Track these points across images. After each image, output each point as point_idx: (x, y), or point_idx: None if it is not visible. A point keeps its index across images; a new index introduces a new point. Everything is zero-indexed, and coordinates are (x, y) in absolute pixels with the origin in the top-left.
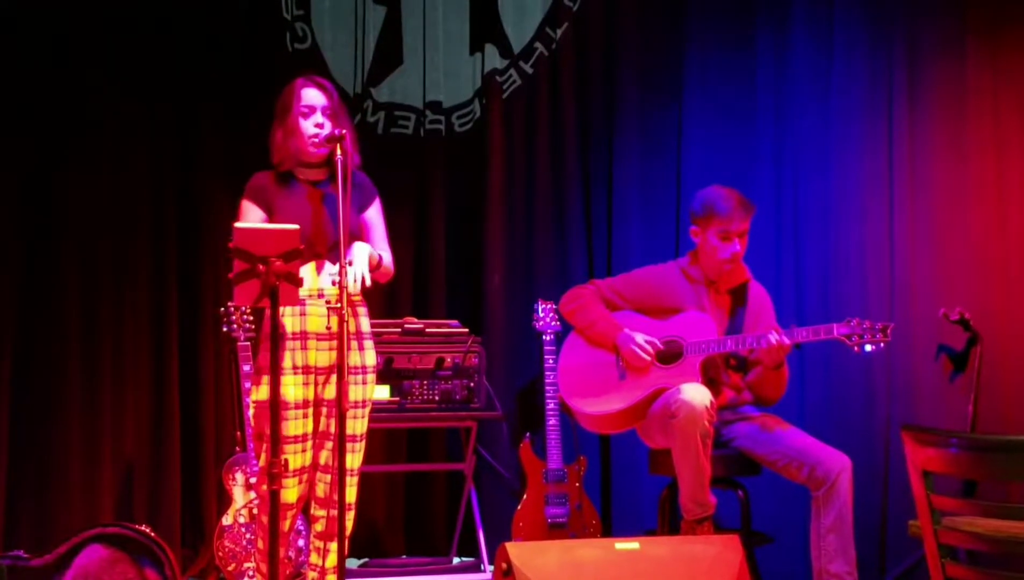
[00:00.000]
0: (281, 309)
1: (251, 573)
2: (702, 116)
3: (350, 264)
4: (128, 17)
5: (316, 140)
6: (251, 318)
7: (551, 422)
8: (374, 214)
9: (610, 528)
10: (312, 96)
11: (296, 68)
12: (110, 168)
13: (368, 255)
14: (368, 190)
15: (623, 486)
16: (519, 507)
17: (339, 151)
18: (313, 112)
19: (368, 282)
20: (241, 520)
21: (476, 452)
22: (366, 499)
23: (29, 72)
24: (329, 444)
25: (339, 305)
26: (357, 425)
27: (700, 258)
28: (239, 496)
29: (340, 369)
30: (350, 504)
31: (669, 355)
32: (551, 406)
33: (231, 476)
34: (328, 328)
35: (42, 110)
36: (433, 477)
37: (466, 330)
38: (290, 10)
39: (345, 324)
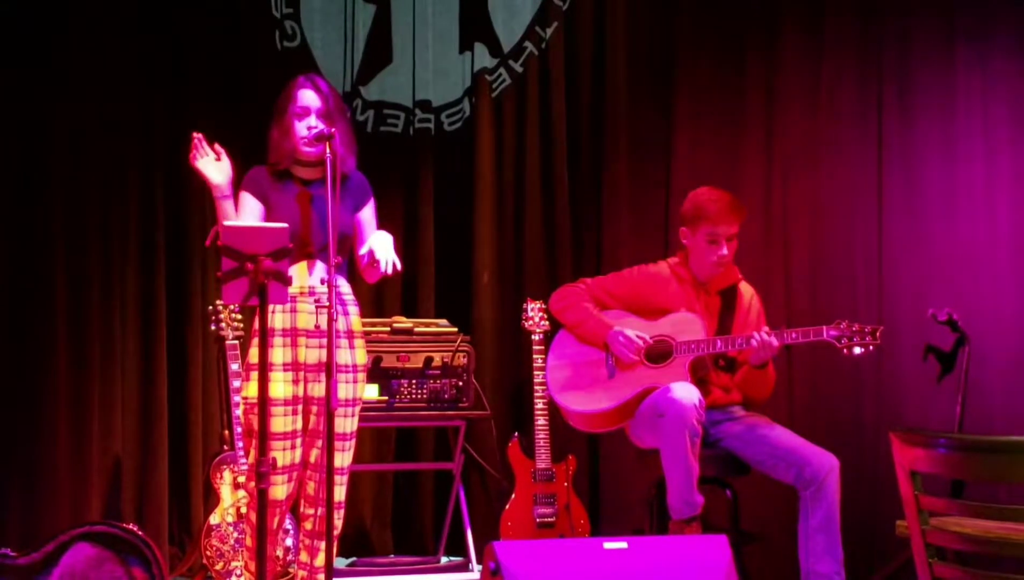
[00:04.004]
0: (271, 306)
1: (238, 572)
2: (692, 115)
3: (372, 257)
4: (121, 14)
5: (306, 140)
6: (239, 316)
7: (540, 421)
8: (368, 215)
9: (598, 528)
10: (308, 98)
11: (285, 66)
12: (98, 164)
13: (392, 242)
14: (364, 190)
15: (611, 486)
16: (507, 506)
17: (328, 150)
18: (307, 114)
19: (399, 267)
20: (228, 519)
21: (464, 451)
22: (354, 498)
23: (19, 64)
24: (319, 442)
25: (328, 304)
26: (347, 424)
27: (690, 259)
28: (226, 495)
29: (328, 367)
30: (340, 503)
31: (658, 354)
32: (540, 405)
33: (219, 475)
34: (316, 326)
35: (31, 105)
36: (421, 476)
37: (455, 329)
38: (279, 8)
39: (334, 322)
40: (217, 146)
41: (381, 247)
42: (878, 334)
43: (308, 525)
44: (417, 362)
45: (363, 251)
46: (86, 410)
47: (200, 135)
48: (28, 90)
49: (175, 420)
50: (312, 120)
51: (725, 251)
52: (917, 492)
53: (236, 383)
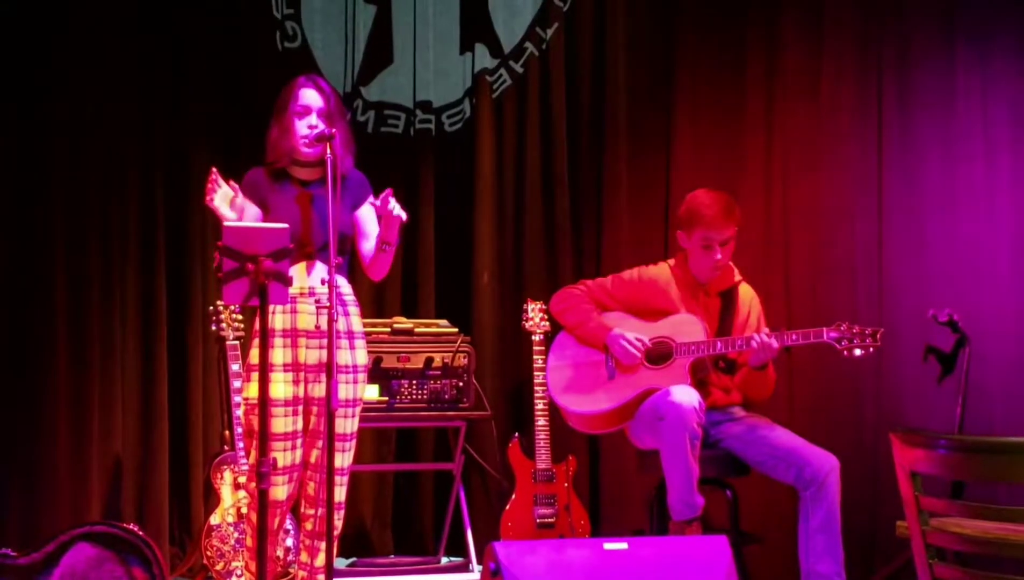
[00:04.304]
0: (272, 307)
1: (239, 572)
2: (691, 116)
3: (386, 202)
4: (121, 14)
5: (306, 140)
6: (240, 317)
7: (540, 422)
8: (368, 212)
9: (598, 528)
10: (309, 97)
11: (286, 67)
12: (98, 164)
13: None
14: (363, 187)
15: (611, 486)
16: (507, 507)
17: (329, 151)
18: (308, 113)
19: (405, 216)
20: (229, 519)
21: (465, 452)
22: (354, 498)
23: (19, 64)
24: (320, 443)
25: (328, 304)
26: (347, 424)
27: (689, 261)
28: (227, 495)
29: (329, 368)
30: (340, 503)
31: (658, 356)
32: (540, 406)
33: (219, 475)
34: (317, 326)
35: (31, 105)
36: (422, 477)
37: (455, 330)
38: (280, 9)
39: (334, 323)
40: (232, 183)
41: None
42: (878, 336)
43: (308, 525)
44: (417, 362)
45: (377, 200)
46: (86, 410)
47: (216, 170)
48: (28, 90)
49: (175, 420)
50: (313, 119)
51: (719, 256)
52: (917, 493)
53: (237, 383)
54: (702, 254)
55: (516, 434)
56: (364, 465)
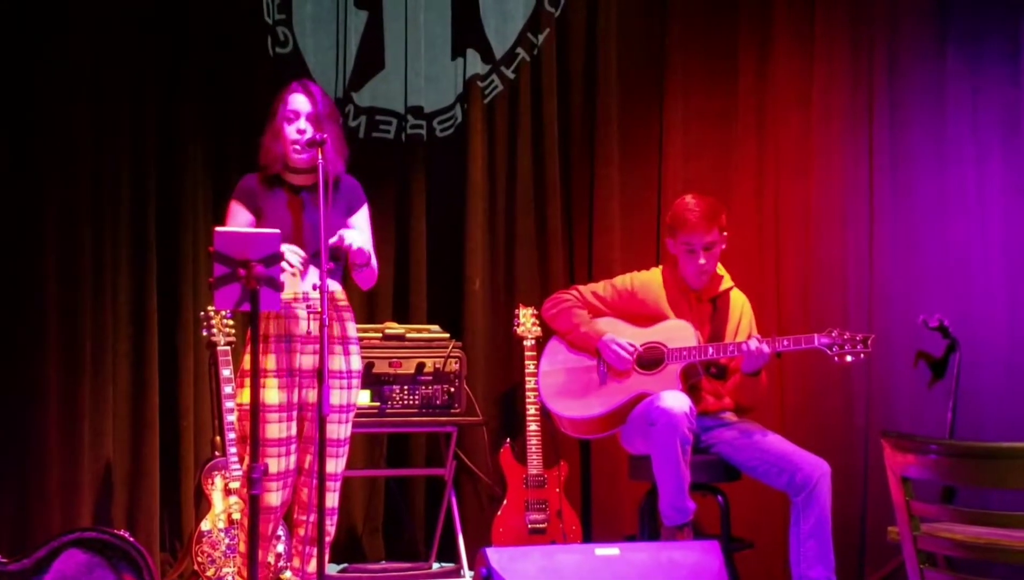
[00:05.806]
0: (265, 313)
1: (230, 578)
2: (683, 122)
3: (340, 244)
4: (116, 18)
5: (297, 145)
6: (231, 322)
7: (531, 427)
8: (361, 219)
9: (590, 534)
10: (298, 102)
11: (278, 73)
12: (89, 169)
13: (363, 241)
14: (356, 195)
15: (603, 492)
16: (499, 513)
17: (320, 156)
18: (297, 118)
19: (355, 246)
20: (220, 525)
21: (456, 457)
22: (346, 504)
23: (14, 65)
24: (313, 448)
25: (320, 310)
26: (341, 430)
27: (678, 266)
28: (218, 501)
29: (321, 373)
30: (332, 509)
31: (650, 361)
32: (532, 411)
33: (210, 481)
34: (309, 332)
35: (23, 108)
36: (413, 482)
37: (447, 335)
38: (272, 14)
39: (326, 328)
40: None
41: (349, 234)
42: (869, 342)
43: (301, 531)
44: (409, 368)
45: (333, 240)
46: (77, 415)
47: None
48: (22, 91)
49: (166, 426)
50: (302, 123)
51: (703, 261)
52: (908, 498)
53: (228, 389)
54: (687, 259)
55: (508, 439)
56: (355, 470)
